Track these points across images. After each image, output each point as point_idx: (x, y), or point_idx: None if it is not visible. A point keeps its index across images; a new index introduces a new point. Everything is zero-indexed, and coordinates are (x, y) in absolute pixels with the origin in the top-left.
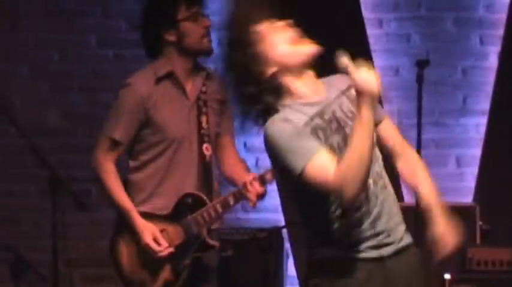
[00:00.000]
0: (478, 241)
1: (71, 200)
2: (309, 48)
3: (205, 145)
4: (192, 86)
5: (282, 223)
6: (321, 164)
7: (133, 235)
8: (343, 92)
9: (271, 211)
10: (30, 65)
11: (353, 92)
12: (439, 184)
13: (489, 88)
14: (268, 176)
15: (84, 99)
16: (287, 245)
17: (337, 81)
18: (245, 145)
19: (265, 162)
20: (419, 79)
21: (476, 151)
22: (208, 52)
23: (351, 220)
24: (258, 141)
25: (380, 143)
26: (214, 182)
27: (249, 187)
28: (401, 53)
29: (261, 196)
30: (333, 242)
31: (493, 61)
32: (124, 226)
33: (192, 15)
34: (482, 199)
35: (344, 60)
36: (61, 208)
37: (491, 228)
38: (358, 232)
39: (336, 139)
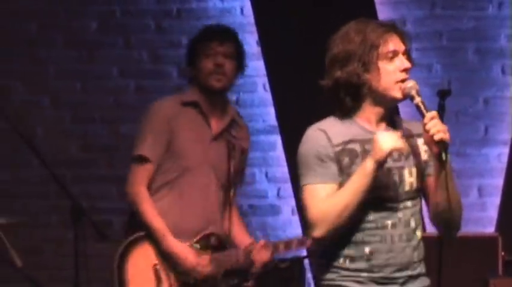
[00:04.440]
0: (500, 271)
1: (93, 231)
2: (408, 89)
3: (232, 191)
4: (216, 120)
5: (304, 253)
6: (318, 193)
7: (148, 257)
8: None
9: None
10: (52, 95)
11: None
12: None
13: (510, 118)
14: (281, 247)
15: (105, 130)
16: (309, 275)
17: (413, 127)
18: (266, 175)
19: (287, 192)
20: (441, 109)
21: (498, 181)
22: (212, 89)
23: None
24: (279, 171)
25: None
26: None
27: (255, 254)
28: (423, 83)
29: (267, 265)
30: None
31: None
32: (133, 246)
33: (206, 51)
34: (504, 229)
35: (414, 87)
36: (83, 239)
37: None
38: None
39: None
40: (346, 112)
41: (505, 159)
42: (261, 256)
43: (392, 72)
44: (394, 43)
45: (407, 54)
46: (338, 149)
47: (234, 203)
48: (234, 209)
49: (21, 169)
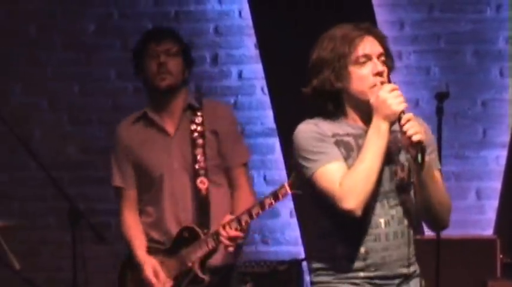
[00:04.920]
0: (498, 274)
1: (91, 233)
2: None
3: (200, 179)
4: (171, 119)
5: (302, 255)
6: (333, 172)
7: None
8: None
9: (291, 243)
10: (50, 97)
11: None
12: (459, 216)
13: (509, 120)
14: (245, 218)
15: (103, 132)
16: (307, 277)
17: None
18: (265, 178)
19: None
20: (439, 112)
21: (497, 184)
22: (159, 89)
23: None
24: (278, 174)
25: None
26: (212, 215)
27: (221, 230)
28: (421, 85)
29: (234, 239)
30: (325, 265)
31: None
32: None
33: (147, 53)
34: (502, 232)
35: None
36: (80, 241)
37: (511, 261)
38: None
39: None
40: (330, 116)
41: (503, 161)
42: (227, 233)
43: (365, 77)
44: (366, 47)
45: (385, 55)
46: (333, 140)
47: (238, 182)
48: (237, 188)
49: (19, 171)
